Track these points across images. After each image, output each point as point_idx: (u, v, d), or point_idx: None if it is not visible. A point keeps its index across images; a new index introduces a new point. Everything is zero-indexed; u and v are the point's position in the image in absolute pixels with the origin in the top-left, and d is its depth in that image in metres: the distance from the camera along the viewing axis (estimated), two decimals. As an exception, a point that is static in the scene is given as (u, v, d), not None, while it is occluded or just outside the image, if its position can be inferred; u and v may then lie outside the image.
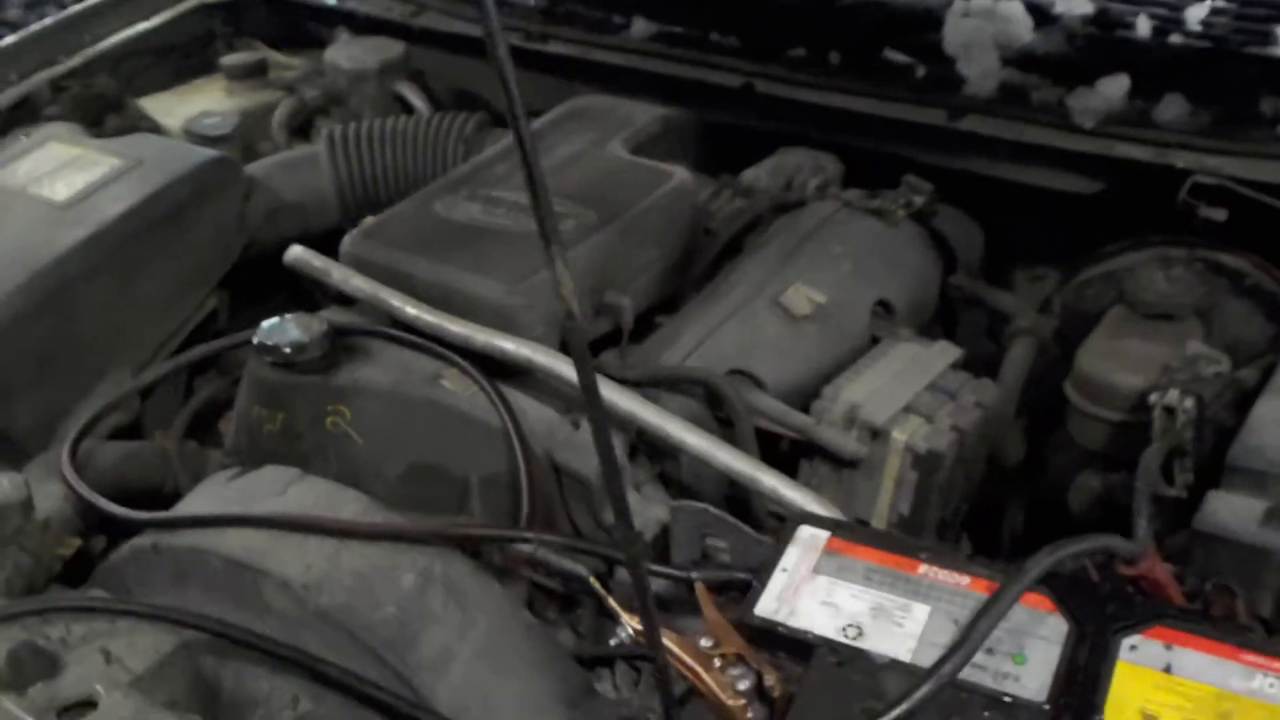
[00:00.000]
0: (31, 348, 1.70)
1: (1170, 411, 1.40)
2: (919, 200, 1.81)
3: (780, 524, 1.40)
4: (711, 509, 1.32)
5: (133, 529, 1.40)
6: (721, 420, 1.52)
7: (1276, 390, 1.34)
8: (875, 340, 1.67)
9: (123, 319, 1.81)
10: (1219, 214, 1.65)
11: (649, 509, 1.43)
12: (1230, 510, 1.23)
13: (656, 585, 1.31)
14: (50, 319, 1.72)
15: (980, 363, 1.75)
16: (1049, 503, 1.79)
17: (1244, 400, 1.42)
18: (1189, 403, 1.39)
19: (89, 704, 1.13)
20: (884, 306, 1.72)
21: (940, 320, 1.91)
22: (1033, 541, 1.22)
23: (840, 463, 1.51)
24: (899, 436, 1.48)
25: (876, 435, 1.49)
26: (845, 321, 1.66)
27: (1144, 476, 1.35)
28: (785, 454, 1.56)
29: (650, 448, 1.51)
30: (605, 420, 0.87)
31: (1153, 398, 1.41)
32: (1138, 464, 1.53)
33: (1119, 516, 1.58)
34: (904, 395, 1.53)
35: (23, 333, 1.69)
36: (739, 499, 1.48)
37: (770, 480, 1.36)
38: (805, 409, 1.54)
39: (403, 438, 1.52)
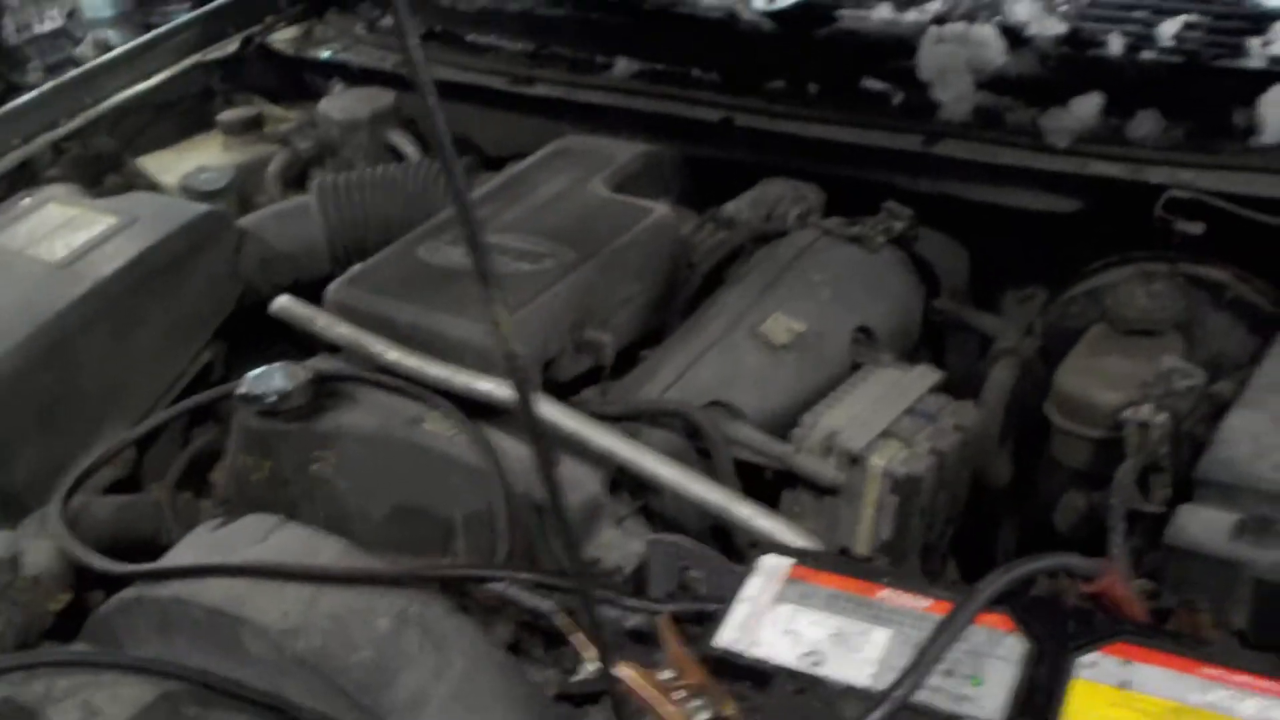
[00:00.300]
0: (31, 403, 1.74)
1: (1144, 427, 1.39)
2: (899, 226, 1.82)
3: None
4: (686, 541, 1.33)
5: (120, 582, 1.42)
6: (702, 452, 1.53)
7: (1248, 403, 1.33)
8: (856, 367, 1.67)
9: (120, 372, 1.84)
10: (1196, 228, 1.65)
11: (628, 543, 1.44)
12: (1201, 524, 1.22)
13: (634, 619, 1.32)
14: (49, 374, 1.76)
15: (971, 385, 1.75)
16: (1040, 524, 1.79)
17: (1221, 414, 1.41)
18: (1162, 418, 1.38)
19: (68, 756, 1.14)
20: (865, 333, 1.72)
21: (928, 344, 1.91)
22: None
23: (821, 490, 1.51)
24: (877, 462, 1.49)
25: (855, 461, 1.50)
26: (825, 349, 1.67)
27: (1118, 493, 1.36)
28: (770, 483, 1.57)
29: (633, 482, 1.52)
30: (551, 455, 0.88)
31: (1126, 414, 1.41)
32: (1114, 481, 1.54)
33: (1102, 534, 1.59)
34: (882, 420, 1.53)
35: (22, 388, 1.72)
36: (723, 531, 1.48)
37: (745, 510, 1.36)
38: (786, 437, 1.55)
39: (387, 480, 1.54)
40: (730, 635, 1.06)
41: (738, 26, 2.02)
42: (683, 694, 1.01)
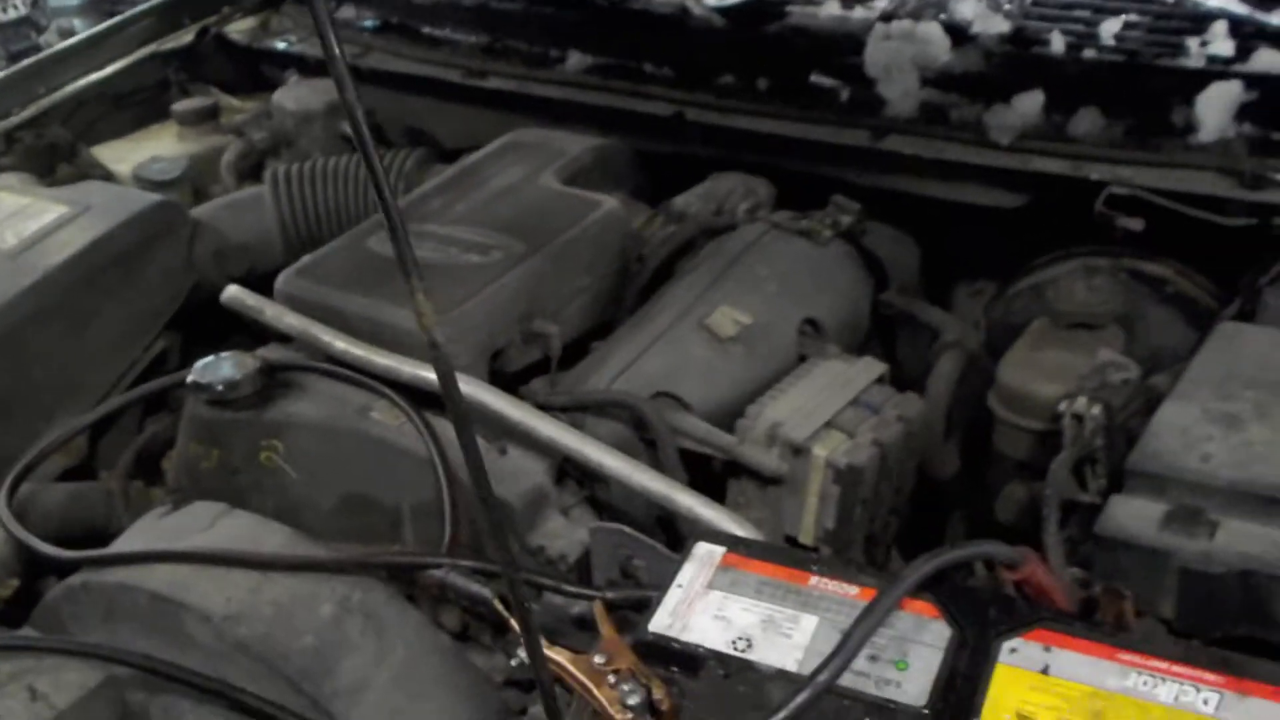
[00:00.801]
0: (-19, 392, 1.74)
1: (1079, 419, 1.42)
2: (846, 220, 1.84)
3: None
4: (627, 530, 1.35)
5: (68, 568, 1.43)
6: (648, 442, 1.55)
7: (1180, 395, 1.36)
8: (803, 359, 1.69)
9: (71, 362, 1.84)
10: (1136, 224, 1.68)
11: (573, 532, 1.46)
12: (1130, 514, 1.25)
13: (578, 606, 1.34)
14: (1, 364, 1.76)
15: (922, 378, 1.78)
16: (987, 515, 1.82)
17: (1156, 407, 1.44)
18: (1096, 409, 1.41)
19: (9, 739, 1.15)
20: (812, 325, 1.74)
21: (879, 337, 1.94)
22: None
23: (765, 480, 1.53)
24: (819, 452, 1.51)
25: (798, 452, 1.52)
26: (772, 341, 1.69)
27: (1053, 483, 1.38)
28: (717, 474, 1.59)
29: (580, 472, 1.53)
30: (475, 445, 0.89)
31: (1062, 406, 1.44)
32: (1049, 472, 1.56)
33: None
34: (826, 412, 1.55)
35: None
36: (669, 520, 1.50)
37: (686, 500, 1.38)
38: (732, 428, 1.57)
39: (335, 470, 1.55)
40: (663, 621, 1.08)
41: (689, 22, 2.04)
42: (614, 678, 1.03)
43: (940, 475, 1.76)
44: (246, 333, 2.15)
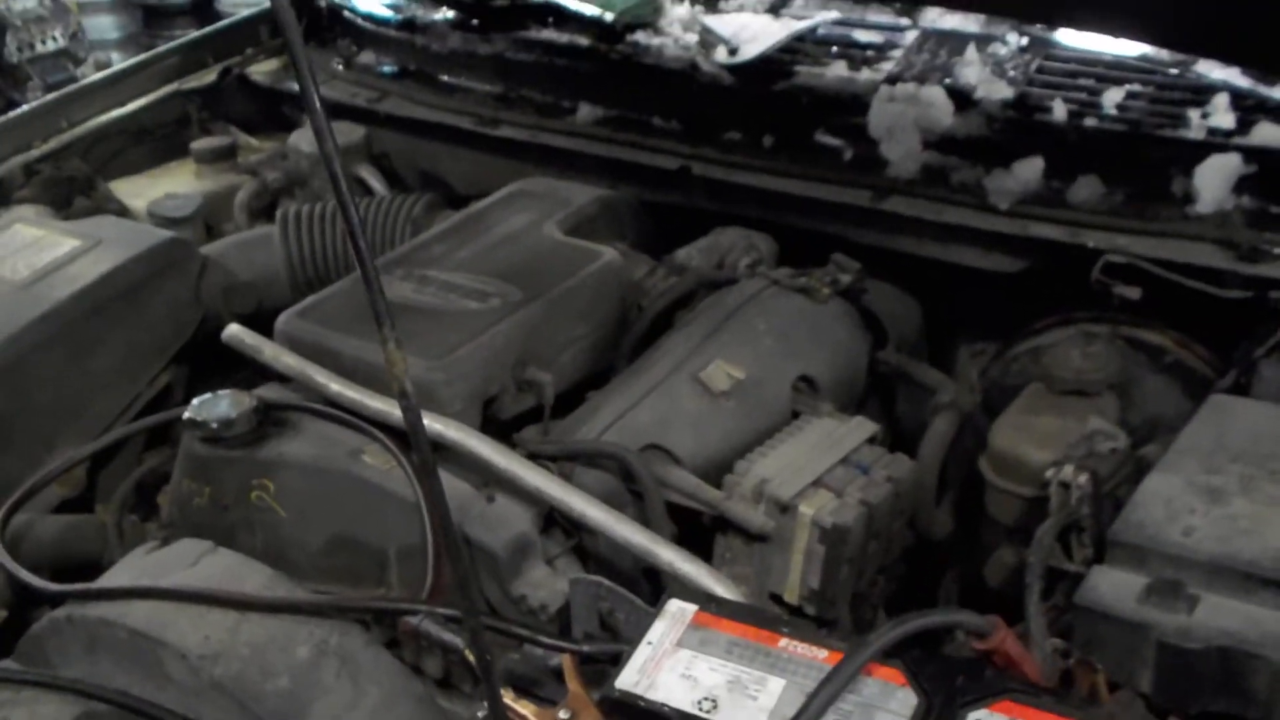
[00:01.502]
0: (-15, 420, 1.76)
1: (1065, 487, 1.42)
2: (846, 278, 1.84)
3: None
4: (605, 582, 1.35)
5: (54, 600, 1.44)
6: (636, 494, 1.55)
7: (1166, 466, 1.35)
8: (796, 415, 1.70)
9: (75, 393, 1.87)
10: (1133, 292, 1.68)
11: (555, 582, 1.46)
12: (1110, 585, 1.24)
13: (556, 658, 1.33)
14: (4, 393, 1.78)
15: (920, 437, 1.78)
16: (981, 577, 1.81)
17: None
18: (1083, 478, 1.40)
19: (-20, 772, 1.16)
20: (807, 382, 1.75)
21: (877, 396, 1.94)
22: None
23: (751, 537, 1.53)
24: (806, 511, 1.51)
25: (785, 510, 1.52)
26: (765, 397, 1.70)
27: (1036, 551, 1.37)
28: (706, 528, 1.59)
29: (567, 522, 1.54)
30: (442, 494, 0.91)
31: (1049, 473, 1.44)
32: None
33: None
34: (814, 470, 1.55)
35: None
36: (655, 573, 1.50)
37: (667, 554, 1.38)
38: (721, 483, 1.57)
39: (324, 510, 1.56)
40: (630, 678, 1.08)
41: (699, 78, 2.06)
42: (577, 734, 1.03)
43: (933, 536, 1.76)
44: (250, 370, 2.18)
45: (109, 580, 1.46)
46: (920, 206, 1.81)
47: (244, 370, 2.16)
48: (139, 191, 2.36)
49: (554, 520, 1.54)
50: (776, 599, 1.57)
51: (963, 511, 1.80)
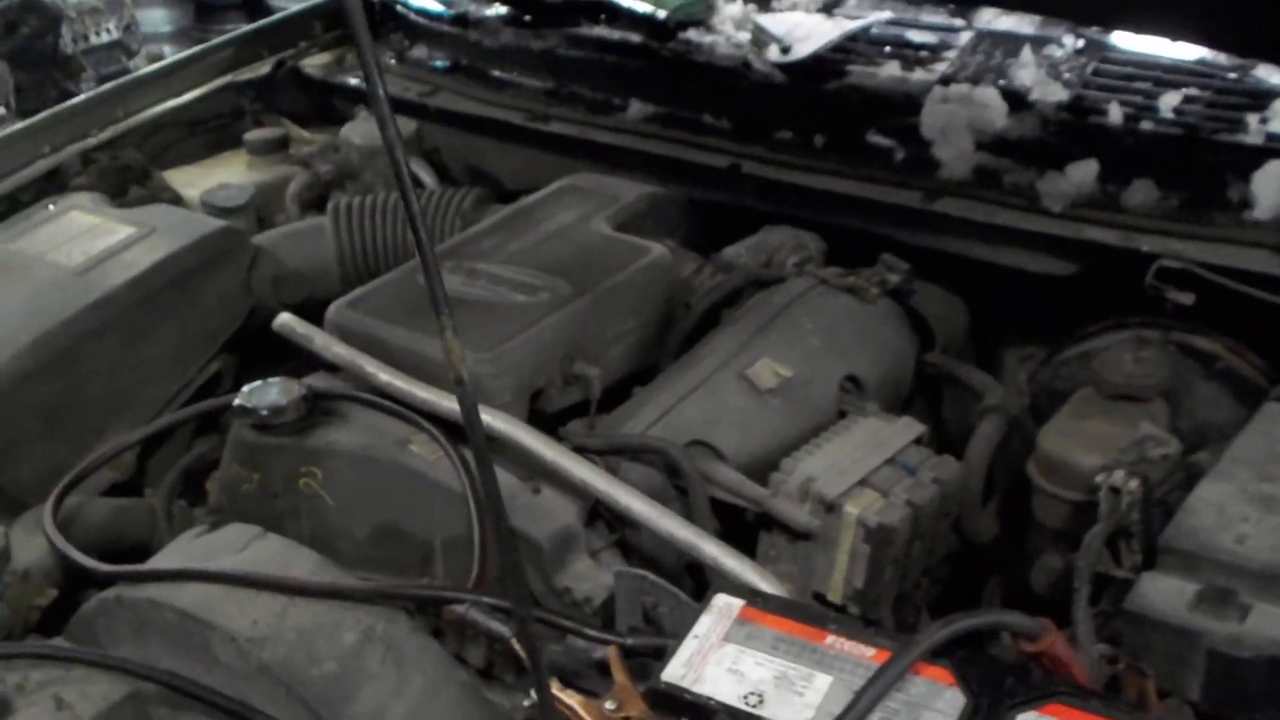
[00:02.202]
0: (37, 405, 1.78)
1: (1116, 492, 1.40)
2: (894, 279, 1.83)
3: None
4: (650, 576, 1.35)
5: (105, 582, 1.46)
6: (681, 490, 1.55)
7: (1219, 474, 1.34)
8: (842, 415, 1.69)
9: (126, 380, 1.89)
10: (1186, 298, 1.67)
11: (600, 575, 1.46)
12: (1160, 592, 1.23)
13: (600, 650, 1.34)
14: (56, 378, 1.81)
15: (965, 440, 1.76)
16: (1026, 581, 1.80)
17: (1196, 484, 1.42)
18: (1134, 484, 1.39)
19: (34, 745, 1.17)
20: (853, 382, 1.74)
21: (923, 398, 1.93)
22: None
23: (796, 535, 1.53)
24: (851, 510, 1.50)
25: (830, 509, 1.51)
26: (812, 396, 1.69)
27: (1085, 556, 1.36)
28: (750, 525, 1.58)
29: (612, 516, 1.54)
30: (495, 480, 0.91)
31: (1099, 478, 1.42)
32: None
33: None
34: (861, 469, 1.54)
35: (30, 390, 1.77)
36: (698, 567, 1.50)
37: (711, 549, 1.38)
38: (766, 481, 1.57)
39: (371, 499, 1.57)
40: (676, 671, 1.08)
41: (750, 76, 2.06)
42: (622, 725, 1.04)
43: (978, 539, 1.74)
44: (299, 359, 2.20)
45: (158, 563, 1.48)
46: (971, 208, 1.80)
47: (292, 360, 2.18)
48: (192, 181, 2.38)
49: (598, 514, 1.55)
50: (820, 598, 1.56)
51: (1008, 515, 1.79)
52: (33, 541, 1.58)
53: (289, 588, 1.31)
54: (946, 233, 1.85)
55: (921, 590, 1.63)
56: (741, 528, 1.57)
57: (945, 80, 1.92)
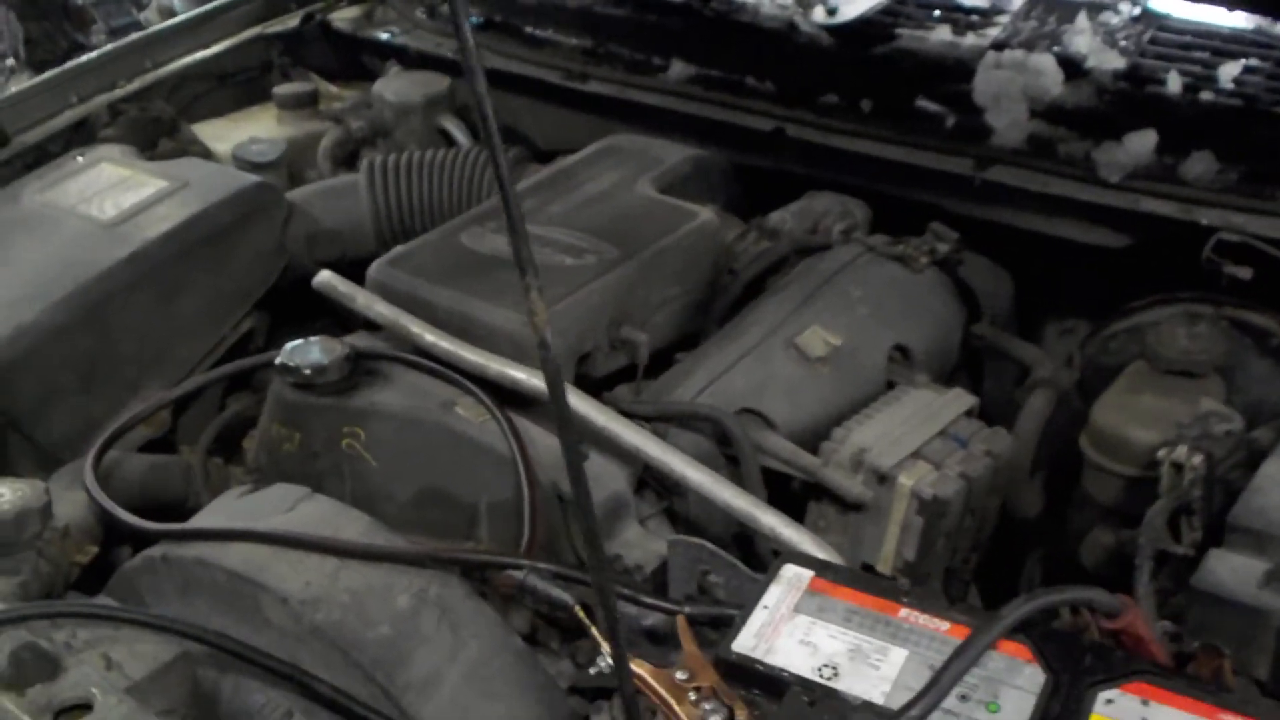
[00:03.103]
0: (71, 360, 1.76)
1: (1178, 468, 1.38)
2: (943, 248, 1.81)
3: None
4: (708, 544, 1.33)
5: (147, 539, 1.44)
6: (730, 458, 1.53)
7: (1285, 451, 1.32)
8: (891, 385, 1.67)
9: (160, 336, 1.86)
10: (1244, 272, 1.64)
11: (650, 543, 1.44)
12: (1229, 570, 1.21)
13: (651, 618, 1.32)
14: (90, 332, 1.78)
15: (1007, 413, 1.74)
16: (1067, 557, 1.78)
17: (1257, 461, 1.40)
18: (1197, 459, 1.37)
19: (85, 707, 1.15)
20: (901, 351, 1.72)
21: (966, 369, 1.90)
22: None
23: (846, 506, 1.51)
24: (905, 482, 1.48)
25: (883, 480, 1.49)
26: (860, 365, 1.67)
27: (1147, 532, 1.35)
28: (796, 494, 1.56)
29: (658, 483, 1.52)
30: (579, 449, 0.89)
31: (1161, 453, 1.40)
32: (1144, 520, 1.53)
33: (1131, 573, 1.58)
34: (913, 441, 1.53)
35: (63, 345, 1.75)
36: (746, 537, 1.48)
37: (769, 519, 1.36)
38: (816, 450, 1.55)
39: (415, 461, 1.55)
40: (747, 642, 1.06)
41: (795, 39, 2.02)
42: (694, 696, 1.02)
43: (1024, 514, 1.72)
44: (331, 318, 2.17)
45: (201, 522, 1.46)
46: (1025, 177, 1.77)
47: (321, 319, 2.16)
48: (221, 135, 2.35)
49: (645, 482, 1.53)
50: (869, 570, 1.55)
51: (1051, 490, 1.77)
52: (70, 497, 1.55)
53: (342, 550, 1.29)
54: (997, 202, 1.82)
55: (970, 565, 1.62)
56: (786, 497, 1.55)
57: (998, 46, 1.88)
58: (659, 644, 1.32)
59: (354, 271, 1.82)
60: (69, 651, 1.22)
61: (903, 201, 1.90)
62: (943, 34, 1.95)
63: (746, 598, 1.28)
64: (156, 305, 1.86)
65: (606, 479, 1.47)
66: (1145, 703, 0.98)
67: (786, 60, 2.02)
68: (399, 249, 1.77)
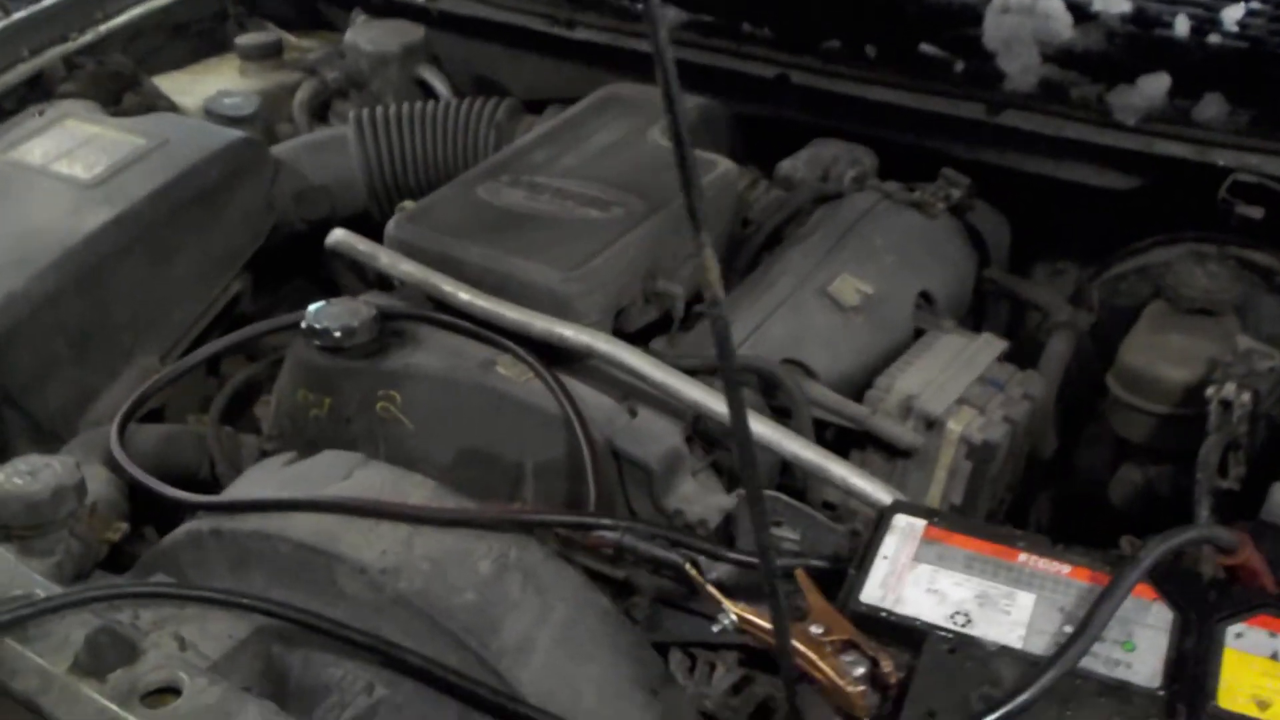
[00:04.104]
0: (64, 328, 1.68)
1: (1226, 405, 1.42)
2: (956, 194, 1.82)
3: (832, 511, 1.41)
4: (782, 497, 1.33)
5: (169, 514, 1.39)
6: (776, 409, 1.52)
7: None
8: (919, 332, 1.68)
9: (152, 300, 1.79)
10: (1256, 212, 1.68)
11: (712, 497, 1.43)
12: (1298, 501, 1.25)
13: (716, 570, 1.31)
14: (82, 299, 1.70)
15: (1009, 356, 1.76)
16: (1076, 496, 1.82)
17: (1289, 395, 1.45)
18: (1246, 396, 1.41)
19: (171, 690, 1.10)
20: (925, 298, 1.73)
21: (971, 314, 1.92)
22: (1059, 535, 1.21)
23: (893, 452, 1.52)
24: (954, 427, 1.49)
25: (931, 426, 1.50)
26: (890, 312, 1.67)
27: (1203, 469, 1.38)
28: (831, 444, 1.56)
29: (703, 437, 1.50)
30: (742, 405, 0.87)
31: (1209, 391, 1.43)
32: (1180, 457, 1.56)
33: (1159, 509, 1.62)
34: (956, 387, 1.54)
35: (56, 312, 1.67)
36: (791, 488, 1.48)
37: (840, 470, 1.36)
38: (854, 398, 1.55)
39: (455, 423, 1.51)
40: (874, 593, 1.06)
41: (793, -17, 2.00)
42: (831, 649, 1.01)
43: (1043, 455, 1.75)
44: (309, 277, 2.10)
45: (245, 493, 1.41)
46: (1039, 121, 1.78)
47: (298, 277, 2.09)
48: (183, 89, 2.24)
49: (689, 436, 1.51)
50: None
51: (1062, 430, 1.80)
52: (90, 472, 1.48)
53: (424, 517, 1.25)
54: (1007, 146, 1.83)
55: (1004, 506, 1.64)
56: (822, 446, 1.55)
57: (1001, -10, 1.88)
58: (729, 596, 1.31)
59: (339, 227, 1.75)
60: (137, 634, 1.17)
61: (909, 147, 1.91)
62: (944, -22, 1.94)
63: (826, 549, 1.28)
64: (148, 268, 1.78)
65: (662, 434, 1.45)
66: (1273, 635, 1.00)
67: (784, 5, 2.00)
68: (414, 205, 1.71)
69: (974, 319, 1.93)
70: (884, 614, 1.04)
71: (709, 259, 0.84)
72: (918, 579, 1.06)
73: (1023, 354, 1.75)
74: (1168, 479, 1.60)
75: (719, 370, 1.52)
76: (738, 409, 0.84)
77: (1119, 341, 1.69)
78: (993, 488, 1.55)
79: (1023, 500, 1.81)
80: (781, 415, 1.51)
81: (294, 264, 2.06)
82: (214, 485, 1.58)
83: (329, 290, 2.09)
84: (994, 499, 1.58)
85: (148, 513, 1.53)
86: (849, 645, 1.01)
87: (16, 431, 1.66)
